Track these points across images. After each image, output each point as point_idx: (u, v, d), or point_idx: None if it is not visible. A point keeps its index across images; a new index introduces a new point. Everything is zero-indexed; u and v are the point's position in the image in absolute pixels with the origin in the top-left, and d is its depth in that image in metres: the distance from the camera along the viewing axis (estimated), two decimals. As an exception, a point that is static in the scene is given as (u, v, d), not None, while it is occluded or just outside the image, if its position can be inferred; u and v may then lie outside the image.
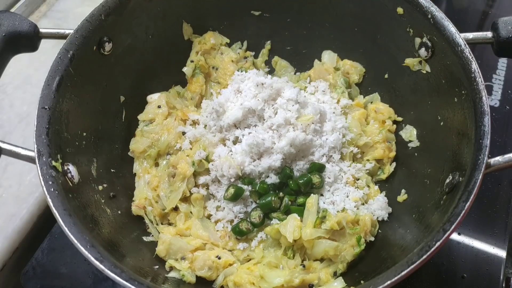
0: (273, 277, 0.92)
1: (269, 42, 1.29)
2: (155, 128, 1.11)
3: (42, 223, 1.16)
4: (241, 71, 1.20)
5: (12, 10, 1.47)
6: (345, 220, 0.95)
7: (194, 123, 1.15)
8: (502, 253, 1.07)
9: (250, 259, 1.00)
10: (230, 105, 1.09)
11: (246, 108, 1.06)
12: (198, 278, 0.95)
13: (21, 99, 1.32)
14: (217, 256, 0.96)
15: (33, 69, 1.36)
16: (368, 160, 1.12)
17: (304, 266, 0.93)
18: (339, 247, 0.94)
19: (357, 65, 1.21)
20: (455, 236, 1.10)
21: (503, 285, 1.04)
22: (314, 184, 1.02)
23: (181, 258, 0.96)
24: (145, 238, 1.03)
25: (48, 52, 0.97)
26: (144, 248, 1.01)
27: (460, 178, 0.84)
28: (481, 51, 1.28)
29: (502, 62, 1.41)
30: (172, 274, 0.96)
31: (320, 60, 1.24)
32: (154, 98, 1.16)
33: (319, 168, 1.04)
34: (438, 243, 0.74)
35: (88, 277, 1.07)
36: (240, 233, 1.01)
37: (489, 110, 0.84)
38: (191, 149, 1.08)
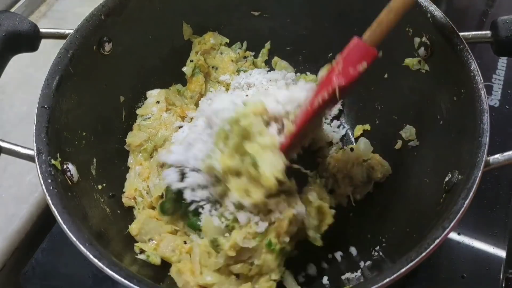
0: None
1: (269, 42, 1.29)
2: (153, 123, 1.12)
3: (42, 223, 1.16)
4: (242, 71, 1.20)
5: (12, 10, 1.47)
6: None
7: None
8: (502, 253, 1.07)
9: None
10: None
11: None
12: (165, 263, 0.95)
13: (21, 99, 1.32)
14: (184, 242, 0.96)
15: (33, 69, 1.36)
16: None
17: None
18: None
19: (356, 65, 1.21)
20: (455, 236, 1.10)
21: (503, 285, 1.04)
22: None
23: (149, 240, 0.96)
24: (144, 237, 1.03)
25: (48, 52, 0.96)
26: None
27: (460, 176, 0.84)
28: (481, 51, 1.26)
29: (502, 62, 1.41)
30: (141, 256, 0.96)
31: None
32: (153, 94, 1.16)
33: None
34: (437, 241, 0.74)
35: (88, 277, 1.06)
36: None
37: (488, 108, 0.84)
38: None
